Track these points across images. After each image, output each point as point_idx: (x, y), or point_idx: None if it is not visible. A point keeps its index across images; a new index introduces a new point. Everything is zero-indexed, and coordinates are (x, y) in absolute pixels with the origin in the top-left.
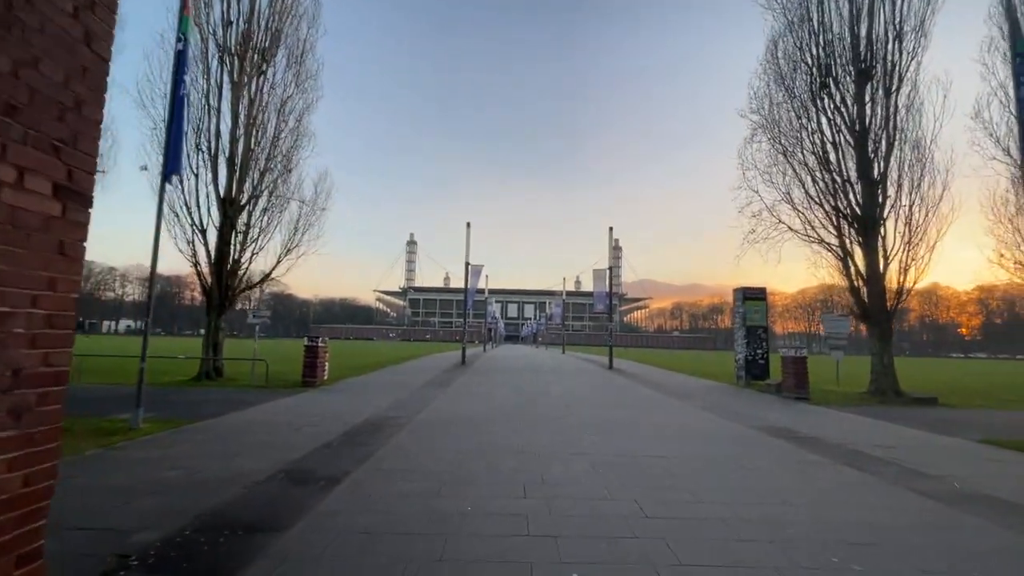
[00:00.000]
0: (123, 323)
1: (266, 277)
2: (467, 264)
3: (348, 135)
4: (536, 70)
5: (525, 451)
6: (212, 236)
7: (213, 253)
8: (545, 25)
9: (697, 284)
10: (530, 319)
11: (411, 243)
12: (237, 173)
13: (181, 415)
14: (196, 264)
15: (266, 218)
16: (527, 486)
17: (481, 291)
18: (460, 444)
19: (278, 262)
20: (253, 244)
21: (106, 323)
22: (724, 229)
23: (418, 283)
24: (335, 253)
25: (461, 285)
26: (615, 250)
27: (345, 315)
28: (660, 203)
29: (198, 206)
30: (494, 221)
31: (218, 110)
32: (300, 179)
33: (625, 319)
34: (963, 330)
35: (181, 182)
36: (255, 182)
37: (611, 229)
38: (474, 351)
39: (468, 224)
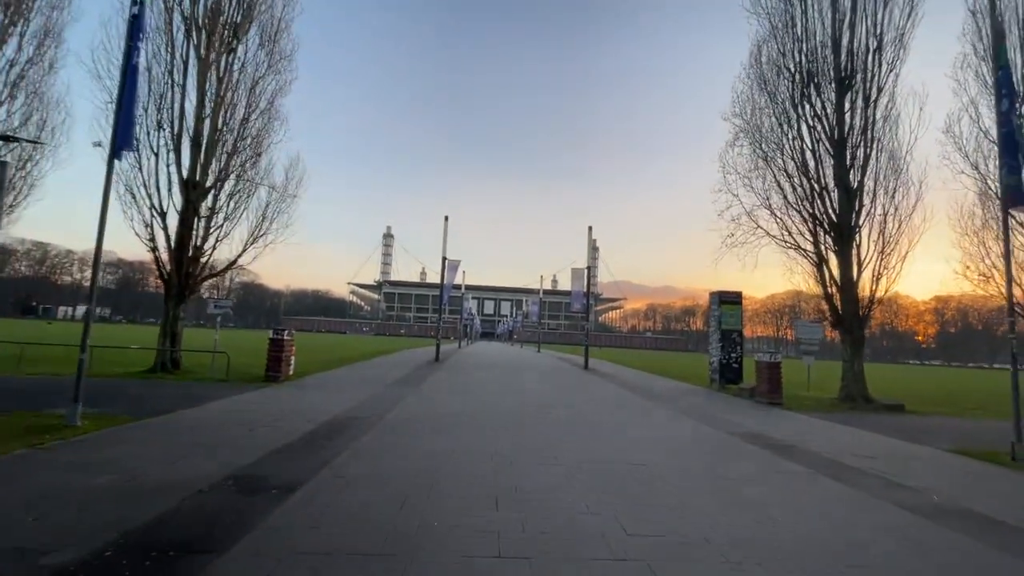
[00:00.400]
0: (81, 309)
1: (230, 265)
2: (444, 258)
3: (326, 124)
4: (521, 70)
5: (498, 456)
6: (173, 220)
7: (173, 238)
8: (532, 26)
9: (670, 286)
10: (506, 316)
11: (387, 236)
12: (202, 154)
13: (126, 411)
14: (154, 249)
15: (232, 203)
16: (499, 497)
17: (458, 287)
18: (429, 447)
19: (244, 250)
20: (218, 230)
21: (63, 309)
22: (699, 233)
23: (394, 277)
24: (309, 244)
25: (437, 280)
26: (592, 250)
27: (318, 307)
28: (637, 205)
29: (158, 188)
30: (472, 218)
31: (183, 87)
32: (271, 164)
33: (600, 319)
34: (920, 338)
35: (140, 162)
36: (222, 165)
37: (590, 228)
38: (449, 348)
39: (446, 218)
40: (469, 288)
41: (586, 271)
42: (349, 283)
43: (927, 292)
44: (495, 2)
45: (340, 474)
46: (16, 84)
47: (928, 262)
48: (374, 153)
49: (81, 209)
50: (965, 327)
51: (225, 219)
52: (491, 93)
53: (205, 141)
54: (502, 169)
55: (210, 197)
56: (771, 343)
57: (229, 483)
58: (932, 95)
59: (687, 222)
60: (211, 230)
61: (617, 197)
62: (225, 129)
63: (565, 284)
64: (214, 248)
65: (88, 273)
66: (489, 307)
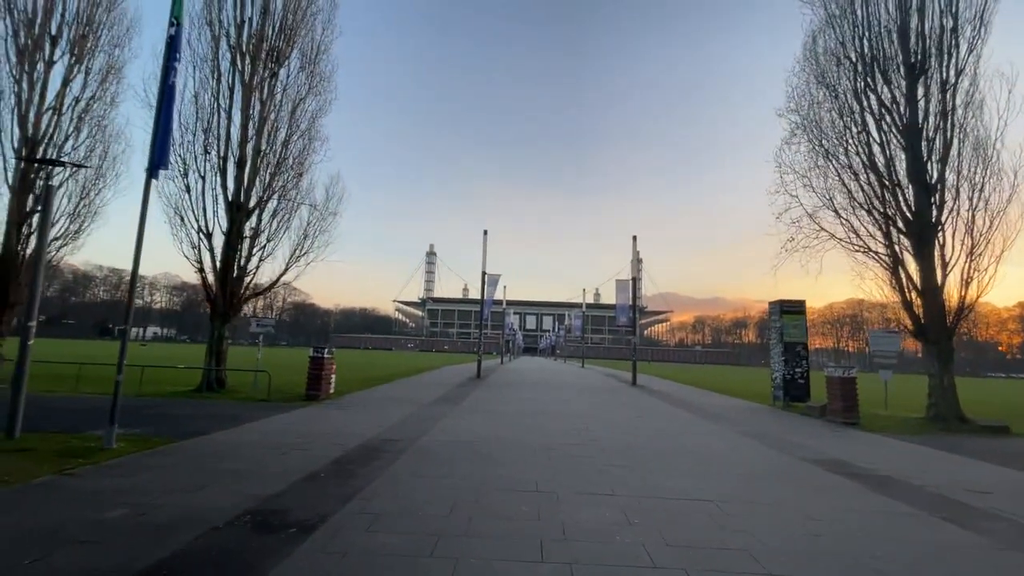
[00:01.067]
0: (150, 330)
1: (274, 284)
2: (483, 273)
3: (370, 145)
4: (562, 82)
5: (542, 490)
6: (219, 241)
7: (219, 258)
8: (573, 37)
9: (719, 298)
10: (548, 331)
11: (431, 254)
12: (246, 176)
13: (162, 432)
14: (201, 270)
15: (275, 223)
16: (544, 542)
17: (499, 302)
18: (465, 478)
19: (286, 269)
20: (260, 250)
21: (134, 330)
22: (749, 241)
23: (437, 294)
24: (355, 263)
25: (479, 296)
26: (636, 262)
27: (364, 325)
28: (682, 215)
29: (204, 210)
30: (514, 233)
31: (228, 112)
32: (311, 183)
33: (646, 332)
34: (1003, 348)
35: (188, 185)
36: (265, 185)
37: (634, 238)
38: (491, 363)
39: (485, 232)
40: (510, 303)
41: (631, 282)
42: (394, 300)
43: (1009, 298)
44: (531, 18)
45: (366, 509)
46: (81, 118)
47: (1011, 264)
48: (417, 172)
49: (149, 235)
50: None
51: (268, 239)
52: (531, 107)
53: (249, 163)
54: (544, 183)
55: (253, 217)
56: (831, 355)
57: (247, 519)
58: (1021, 76)
59: (736, 230)
60: (254, 250)
61: (661, 208)
62: (268, 151)
63: (608, 298)
64: (257, 268)
65: (156, 296)
66: (531, 322)
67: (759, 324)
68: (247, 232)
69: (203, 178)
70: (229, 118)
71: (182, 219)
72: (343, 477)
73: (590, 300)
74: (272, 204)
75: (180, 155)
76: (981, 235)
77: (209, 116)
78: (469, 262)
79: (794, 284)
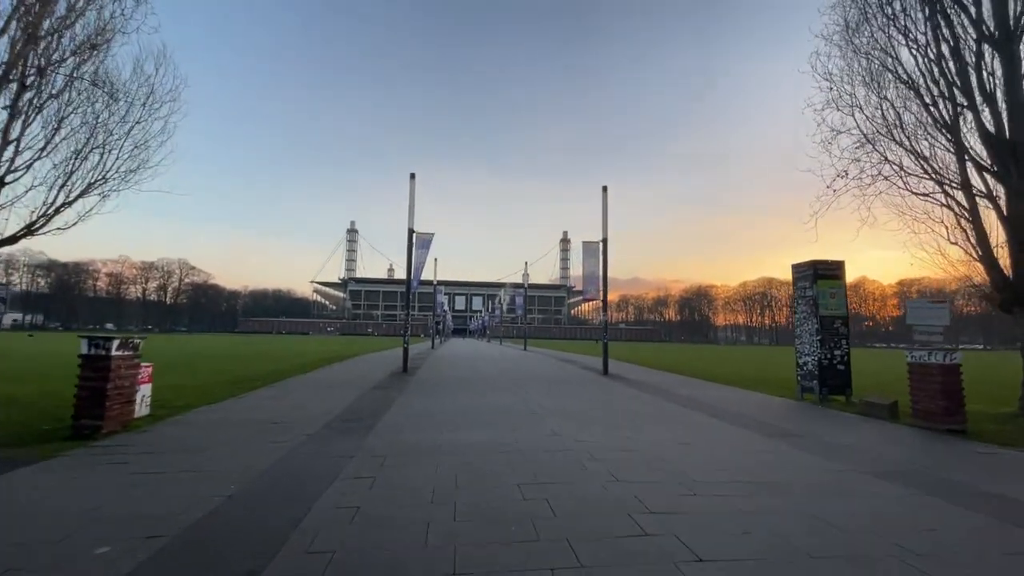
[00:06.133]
0: (8, 317)
1: (31, 227)
2: (410, 231)
3: (285, 115)
4: (488, 61)
5: None
6: None
7: None
8: (520, 22)
9: (639, 278)
10: (479, 311)
11: (351, 231)
12: None
13: None
14: None
15: (41, 119)
16: None
17: (428, 282)
18: None
19: (67, 203)
20: (9, 168)
21: None
22: (663, 224)
23: (360, 274)
24: (268, 240)
25: (404, 277)
26: (563, 243)
27: (279, 308)
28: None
29: None
30: (440, 211)
31: None
32: (118, 70)
33: (573, 312)
34: (881, 320)
35: None
36: (15, 47)
37: (604, 188)
38: (419, 348)
39: (412, 175)
40: (440, 283)
41: (602, 244)
42: (312, 281)
43: (892, 277)
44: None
45: None
46: None
47: (886, 248)
48: (338, 147)
49: None
50: None
51: (17, 149)
52: (457, 85)
53: None
54: (470, 163)
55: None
56: (741, 331)
57: None
58: None
59: (651, 214)
60: None
61: (585, 191)
62: None
63: (535, 277)
64: None
65: (16, 277)
66: (460, 302)
67: (679, 303)
68: None
69: None
70: None
71: None
72: None
73: (518, 280)
74: (37, 86)
75: None
76: None
77: None
78: (393, 243)
79: (705, 269)
